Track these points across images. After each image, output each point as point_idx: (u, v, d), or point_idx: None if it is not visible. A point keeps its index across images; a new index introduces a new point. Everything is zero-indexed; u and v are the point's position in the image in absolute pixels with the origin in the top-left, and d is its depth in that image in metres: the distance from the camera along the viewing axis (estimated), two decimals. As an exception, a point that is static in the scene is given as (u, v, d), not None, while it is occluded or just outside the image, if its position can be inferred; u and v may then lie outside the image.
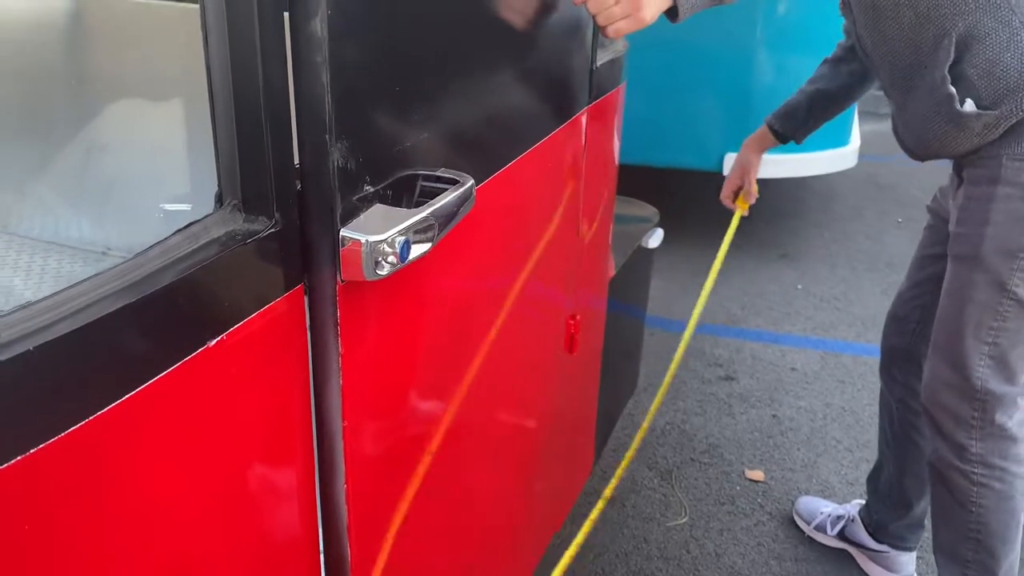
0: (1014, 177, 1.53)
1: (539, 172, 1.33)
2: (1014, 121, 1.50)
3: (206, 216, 0.72)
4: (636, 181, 3.84)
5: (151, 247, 0.67)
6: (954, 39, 1.51)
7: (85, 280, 0.61)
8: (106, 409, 0.60)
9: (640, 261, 2.18)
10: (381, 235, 0.85)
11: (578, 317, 1.61)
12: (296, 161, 0.80)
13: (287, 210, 0.76)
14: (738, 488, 2.58)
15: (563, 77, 1.39)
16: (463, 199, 0.99)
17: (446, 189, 0.98)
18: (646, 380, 3.01)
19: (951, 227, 1.65)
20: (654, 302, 3.54)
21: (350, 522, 0.95)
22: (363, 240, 0.84)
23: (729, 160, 4.11)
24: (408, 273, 0.94)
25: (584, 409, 1.88)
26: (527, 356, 1.46)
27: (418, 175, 1.00)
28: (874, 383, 2.68)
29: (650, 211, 2.34)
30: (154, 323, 0.64)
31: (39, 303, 0.58)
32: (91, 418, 0.59)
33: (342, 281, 0.85)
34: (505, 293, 1.30)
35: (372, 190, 0.91)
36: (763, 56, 4.00)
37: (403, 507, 1.09)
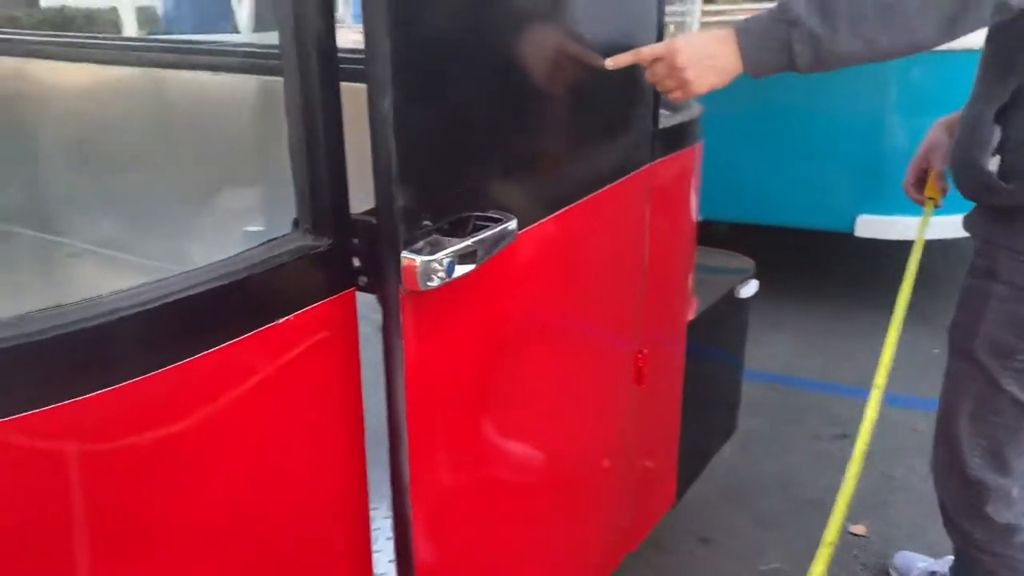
0: (1010, 276, 1.47)
1: (595, 218, 1.55)
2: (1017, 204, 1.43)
3: (284, 235, 1.01)
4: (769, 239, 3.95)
5: (248, 250, 0.97)
6: (1017, 84, 1.42)
7: (199, 268, 0.91)
8: (218, 348, 0.90)
9: (730, 308, 2.31)
10: (430, 257, 1.11)
11: (646, 351, 1.79)
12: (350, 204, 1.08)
13: (341, 235, 1.04)
14: (838, 540, 2.59)
15: (620, 137, 1.61)
16: (503, 235, 1.23)
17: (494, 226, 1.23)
18: (754, 432, 3.09)
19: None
20: (779, 359, 3.61)
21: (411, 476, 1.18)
22: (417, 260, 1.10)
23: (862, 222, 4.12)
24: (461, 292, 1.19)
25: (662, 442, 2.03)
26: (589, 381, 1.65)
27: (472, 216, 1.25)
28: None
29: (747, 263, 2.47)
30: (246, 298, 0.94)
31: (175, 278, 0.88)
32: (207, 352, 0.89)
33: (404, 290, 1.11)
34: (562, 320, 1.52)
35: (432, 225, 1.17)
36: (896, 119, 4.01)
37: (458, 485, 1.32)
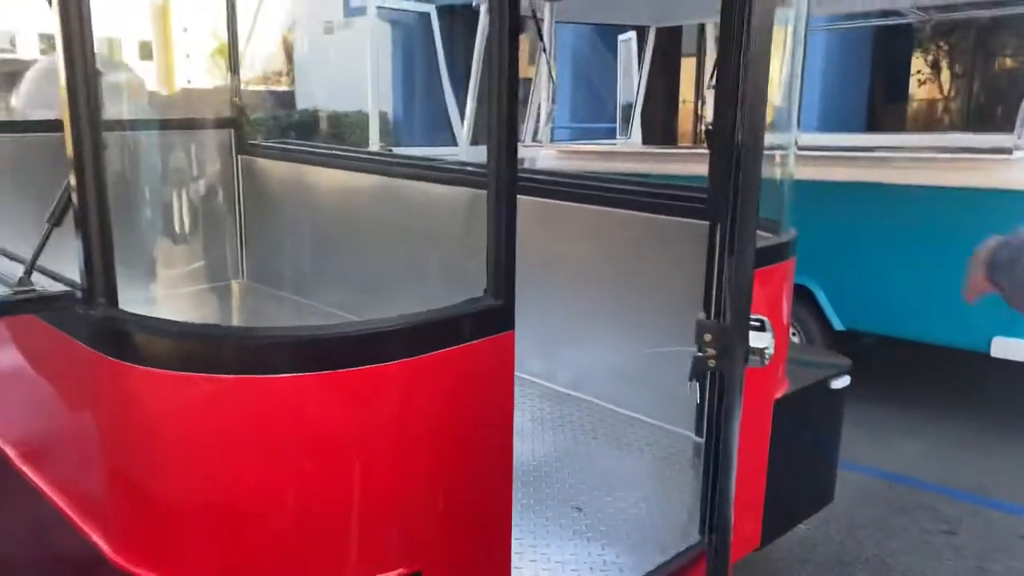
0: None
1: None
2: None
3: (479, 297, 1.73)
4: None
5: (461, 303, 1.69)
6: None
7: (437, 309, 1.65)
8: (441, 351, 1.62)
9: (821, 395, 2.81)
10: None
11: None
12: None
13: (509, 299, 1.75)
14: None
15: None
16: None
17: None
18: (865, 518, 3.47)
19: None
20: (903, 461, 3.95)
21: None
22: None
23: (998, 344, 4.38)
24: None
25: (747, 487, 2.55)
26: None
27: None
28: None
29: (844, 362, 2.96)
30: (459, 326, 1.66)
31: (421, 313, 1.62)
32: (434, 352, 1.61)
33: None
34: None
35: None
36: (1034, 247, 4.28)
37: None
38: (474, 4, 6.10)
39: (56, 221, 1.59)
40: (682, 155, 6.37)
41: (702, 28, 9.55)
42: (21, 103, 16.55)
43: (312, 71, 18.26)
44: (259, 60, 20.65)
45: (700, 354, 1.63)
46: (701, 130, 10.78)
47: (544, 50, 5.64)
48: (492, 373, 1.74)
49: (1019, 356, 4.27)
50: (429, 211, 3.44)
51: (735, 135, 2.22)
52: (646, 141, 7.37)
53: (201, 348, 1.56)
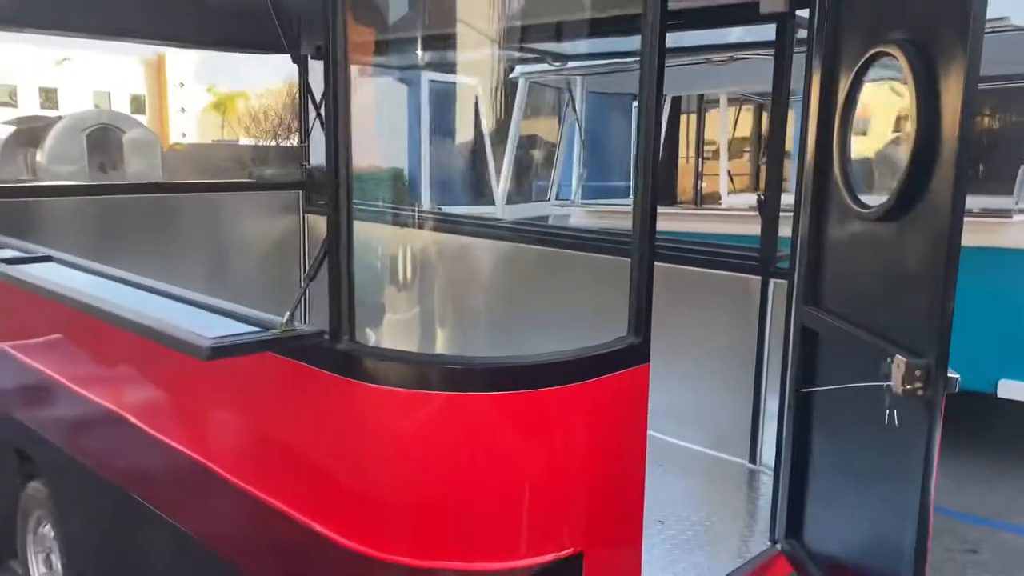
0: None
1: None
2: None
3: (623, 336, 2.20)
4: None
5: (610, 341, 2.16)
6: None
7: (592, 345, 2.12)
8: (598, 378, 2.09)
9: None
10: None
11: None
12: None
13: (646, 336, 2.22)
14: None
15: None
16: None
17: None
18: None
19: None
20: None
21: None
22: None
23: (1005, 385, 4.88)
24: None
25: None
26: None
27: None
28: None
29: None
30: (608, 359, 2.13)
31: (581, 348, 2.09)
32: (592, 380, 2.08)
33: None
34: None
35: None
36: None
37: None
38: (512, 77, 6.70)
39: (312, 278, 2.05)
40: (689, 216, 6.92)
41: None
42: (46, 159, 16.92)
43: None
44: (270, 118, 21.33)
45: (905, 386, 1.93)
46: (701, 187, 11.36)
47: (577, 120, 6.20)
48: (635, 394, 2.20)
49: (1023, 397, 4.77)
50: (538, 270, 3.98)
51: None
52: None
53: (421, 371, 2.02)
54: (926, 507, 1.98)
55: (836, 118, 2.41)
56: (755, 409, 3.61)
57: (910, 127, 1.99)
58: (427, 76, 7.53)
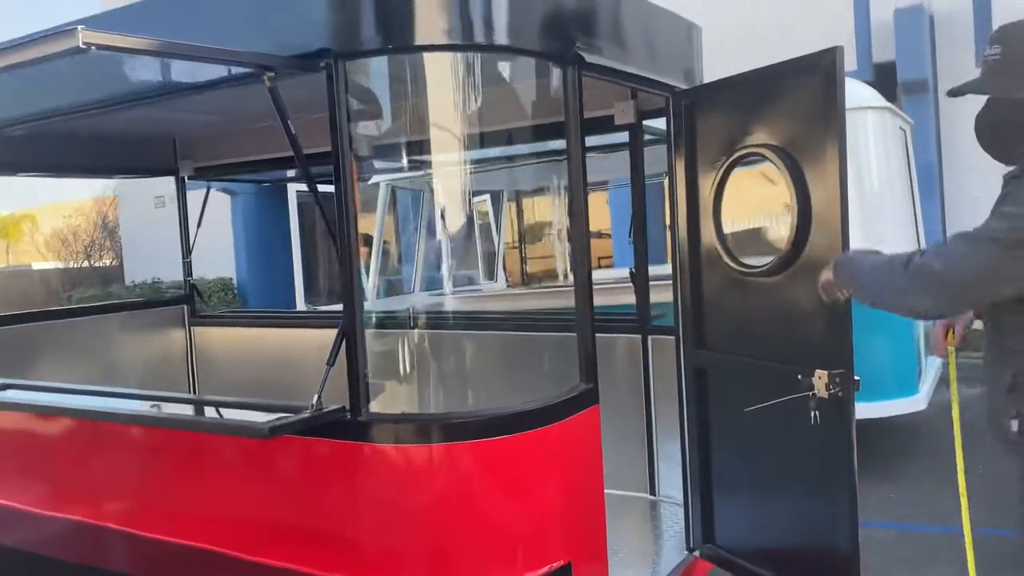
0: None
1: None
2: None
3: (578, 384, 2.76)
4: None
5: (570, 388, 2.72)
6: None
7: (558, 394, 2.67)
8: (567, 419, 2.63)
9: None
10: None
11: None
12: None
13: (593, 384, 2.80)
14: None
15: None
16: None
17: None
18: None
19: None
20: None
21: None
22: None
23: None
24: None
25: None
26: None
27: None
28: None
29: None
30: (571, 404, 2.68)
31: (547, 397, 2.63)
32: (563, 420, 2.62)
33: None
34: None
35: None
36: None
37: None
38: (379, 182, 7.27)
39: (332, 363, 2.47)
40: (540, 294, 7.71)
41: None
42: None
43: (142, 245, 18.30)
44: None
45: (828, 391, 2.57)
46: (525, 270, 12.31)
47: (442, 217, 6.83)
48: (593, 428, 2.77)
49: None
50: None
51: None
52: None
53: (424, 428, 2.49)
54: (852, 483, 2.70)
55: (709, 203, 3.16)
56: (649, 446, 4.25)
57: (774, 209, 2.77)
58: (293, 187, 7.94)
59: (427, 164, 6.53)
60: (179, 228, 5.87)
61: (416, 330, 4.48)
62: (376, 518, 2.50)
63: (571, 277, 8.64)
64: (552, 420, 2.62)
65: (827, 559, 2.91)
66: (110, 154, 5.30)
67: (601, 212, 12.61)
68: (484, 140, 4.22)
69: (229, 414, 2.66)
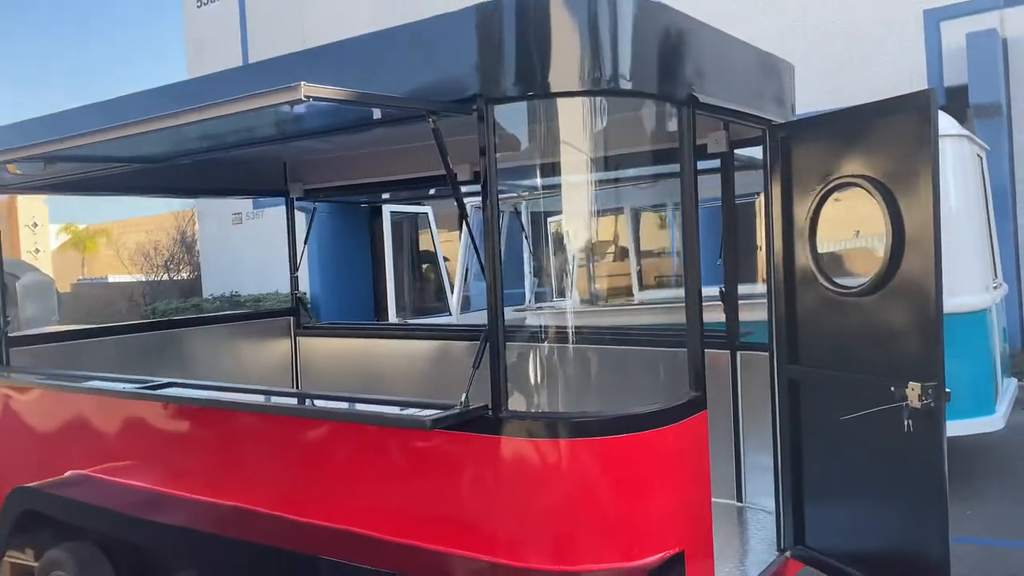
0: None
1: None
2: None
3: (687, 391, 3.06)
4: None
5: (682, 394, 3.03)
6: None
7: (667, 401, 2.97)
8: (678, 423, 2.94)
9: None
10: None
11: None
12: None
13: (702, 393, 3.09)
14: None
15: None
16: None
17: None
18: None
19: None
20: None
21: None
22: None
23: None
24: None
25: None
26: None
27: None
28: None
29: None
30: (684, 408, 2.98)
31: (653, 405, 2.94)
32: (673, 424, 2.93)
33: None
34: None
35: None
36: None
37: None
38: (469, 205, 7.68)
39: (478, 365, 2.82)
40: (617, 311, 8.02)
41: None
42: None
43: (219, 259, 19.08)
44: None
45: (922, 402, 2.85)
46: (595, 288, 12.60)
47: (526, 236, 7.20)
48: (702, 431, 3.06)
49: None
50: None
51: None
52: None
53: (556, 425, 2.81)
54: (943, 489, 2.94)
55: (805, 228, 3.44)
56: (736, 456, 4.51)
57: (870, 232, 3.05)
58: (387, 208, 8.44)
59: (539, 189, 6.93)
60: (287, 245, 6.32)
61: (541, 341, 4.84)
62: (510, 505, 2.83)
63: (637, 295, 8.88)
64: (668, 422, 2.92)
65: (919, 563, 3.15)
66: (229, 177, 5.79)
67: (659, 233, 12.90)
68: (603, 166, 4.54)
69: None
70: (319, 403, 3.26)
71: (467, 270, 8.13)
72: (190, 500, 3.58)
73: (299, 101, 2.19)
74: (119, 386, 3.79)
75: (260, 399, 3.38)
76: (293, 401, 3.35)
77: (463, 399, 2.81)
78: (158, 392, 3.51)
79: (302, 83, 2.18)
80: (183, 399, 3.42)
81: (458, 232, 11.78)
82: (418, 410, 2.83)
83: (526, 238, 7.20)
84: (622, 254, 9.95)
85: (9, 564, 4.83)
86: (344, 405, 3.05)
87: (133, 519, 3.57)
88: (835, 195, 3.31)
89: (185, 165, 5.25)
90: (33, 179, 4.14)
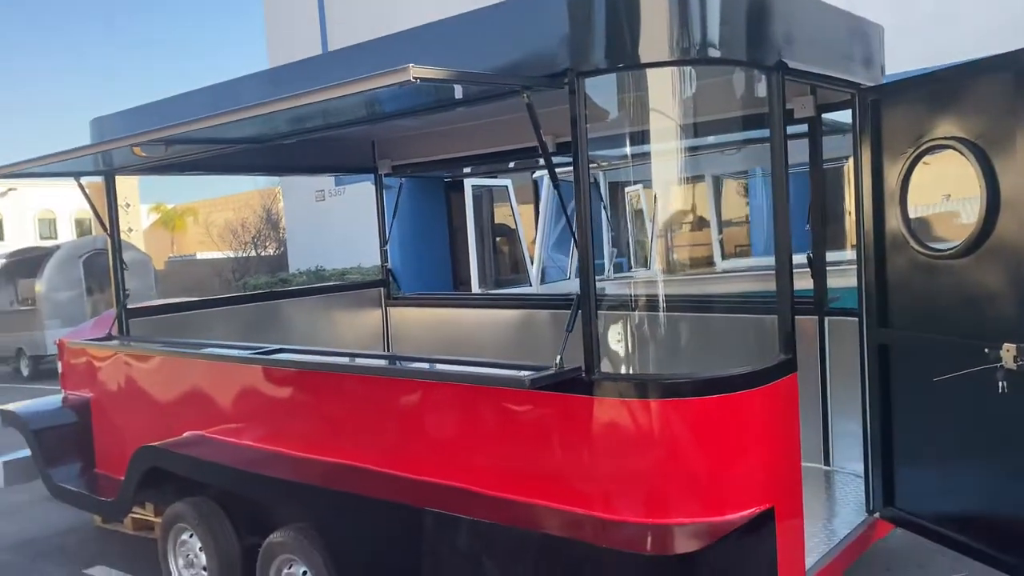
0: None
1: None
2: None
3: (777, 355, 3.13)
4: None
5: (772, 357, 3.09)
6: None
7: (757, 363, 3.05)
8: (774, 382, 3.01)
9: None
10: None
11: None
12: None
13: (791, 356, 3.15)
14: None
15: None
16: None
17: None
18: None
19: None
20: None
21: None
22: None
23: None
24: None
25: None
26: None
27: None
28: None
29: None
30: (777, 369, 3.06)
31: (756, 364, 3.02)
32: (772, 383, 3.00)
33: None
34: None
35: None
36: None
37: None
38: (533, 177, 7.78)
39: (571, 328, 2.95)
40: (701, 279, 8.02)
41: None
42: (45, 287, 17.35)
43: (304, 235, 19.60)
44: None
45: (1017, 363, 2.88)
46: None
47: (604, 207, 7.26)
48: (792, 393, 3.12)
49: None
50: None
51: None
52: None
53: (647, 386, 2.92)
54: None
55: (896, 191, 3.44)
56: (824, 420, 4.54)
57: (961, 194, 3.04)
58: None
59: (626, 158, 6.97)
60: (376, 220, 6.54)
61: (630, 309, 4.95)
62: (603, 462, 2.96)
63: (719, 263, 8.85)
64: (758, 384, 2.99)
65: (1013, 524, 3.16)
66: (319, 155, 6.02)
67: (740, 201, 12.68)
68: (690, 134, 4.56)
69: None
70: (421, 366, 3.44)
71: (546, 241, 8.25)
72: (299, 458, 3.83)
73: (408, 82, 2.33)
74: (234, 352, 4.05)
75: (372, 362, 3.58)
76: (398, 364, 3.54)
77: (558, 360, 2.94)
78: (272, 357, 3.75)
79: (411, 65, 2.32)
80: (298, 363, 3.65)
81: (532, 205, 11.92)
82: (515, 371, 2.98)
83: (604, 208, 7.26)
84: (699, 223, 9.92)
85: (131, 519, 5.23)
86: (445, 367, 3.22)
87: (249, 474, 3.83)
88: (924, 159, 3.30)
89: (281, 145, 5.52)
90: (151, 160, 4.43)
